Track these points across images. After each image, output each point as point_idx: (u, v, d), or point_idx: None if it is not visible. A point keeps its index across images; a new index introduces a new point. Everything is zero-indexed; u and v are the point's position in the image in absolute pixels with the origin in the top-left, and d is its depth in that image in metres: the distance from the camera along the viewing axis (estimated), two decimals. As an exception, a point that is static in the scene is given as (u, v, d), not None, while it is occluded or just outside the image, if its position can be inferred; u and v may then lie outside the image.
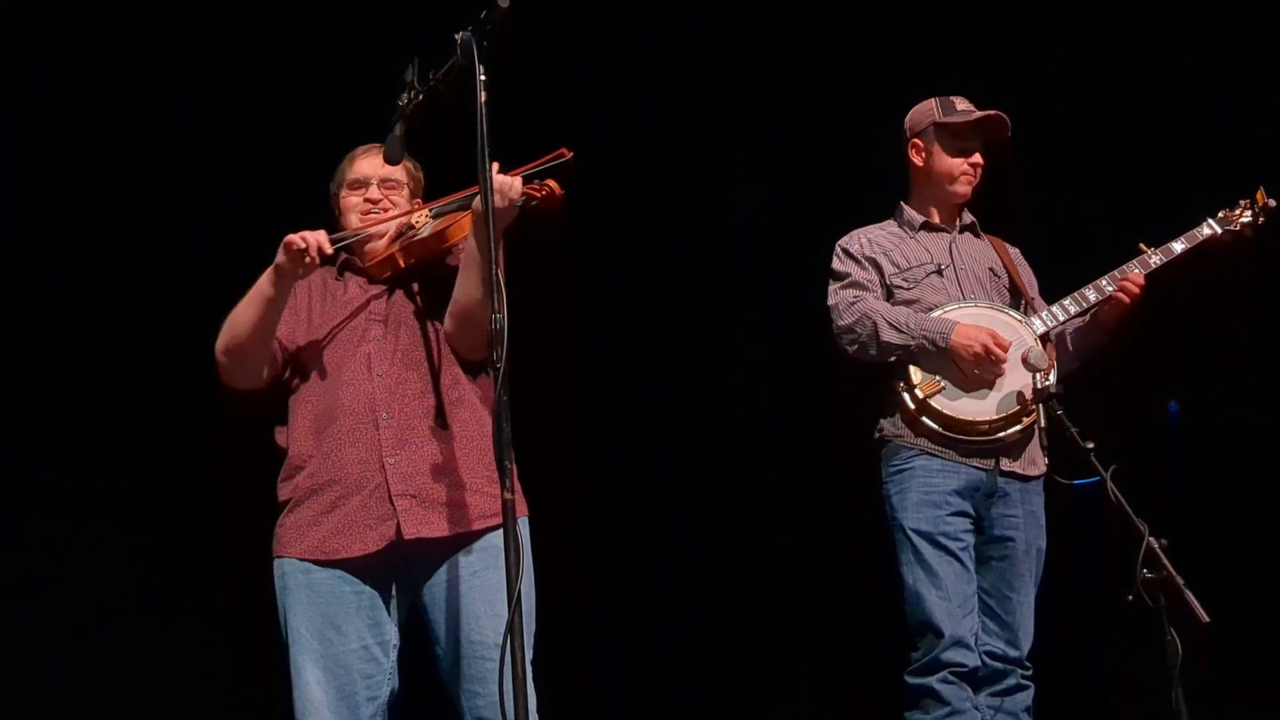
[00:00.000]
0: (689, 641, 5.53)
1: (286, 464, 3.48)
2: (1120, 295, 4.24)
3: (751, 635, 5.57)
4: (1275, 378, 5.41)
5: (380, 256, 3.52)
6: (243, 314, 3.43)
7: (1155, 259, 4.35)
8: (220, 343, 3.47)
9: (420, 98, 3.25)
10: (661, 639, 5.52)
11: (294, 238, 3.35)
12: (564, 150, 3.38)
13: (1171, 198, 5.10)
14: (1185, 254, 4.39)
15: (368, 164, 3.60)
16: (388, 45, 3.74)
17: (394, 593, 3.44)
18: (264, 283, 3.40)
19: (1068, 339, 4.36)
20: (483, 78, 3.07)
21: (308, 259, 3.35)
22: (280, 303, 3.42)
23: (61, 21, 5.06)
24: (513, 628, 2.93)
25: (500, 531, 3.02)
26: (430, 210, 3.54)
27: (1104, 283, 4.29)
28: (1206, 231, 4.43)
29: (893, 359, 4.20)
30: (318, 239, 3.35)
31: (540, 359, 3.95)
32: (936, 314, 4.23)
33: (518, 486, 3.46)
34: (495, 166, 3.20)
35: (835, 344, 4.28)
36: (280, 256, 3.37)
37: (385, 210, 3.60)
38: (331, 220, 3.66)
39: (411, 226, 3.52)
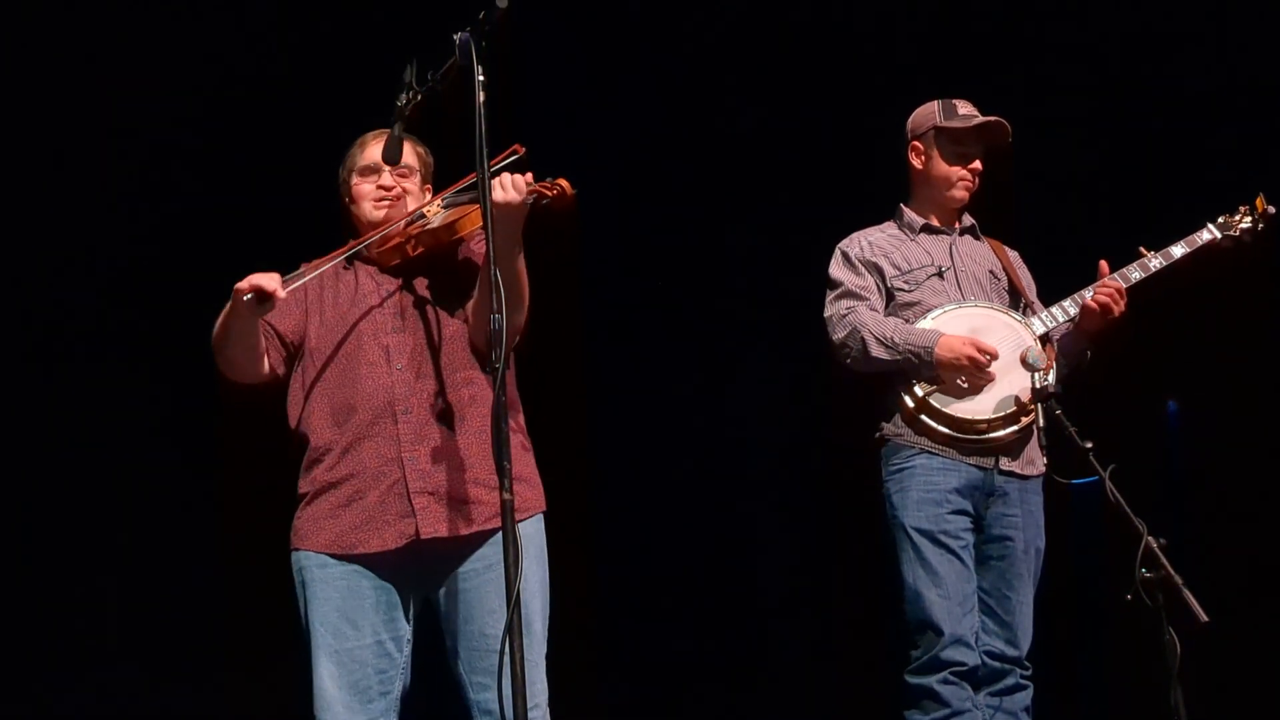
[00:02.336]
0: (691, 639, 5.54)
1: (306, 457, 3.48)
2: (1092, 305, 4.24)
3: (752, 634, 5.58)
4: (1275, 378, 5.42)
5: (390, 244, 3.51)
6: (218, 333, 3.43)
7: (1155, 262, 4.35)
8: (212, 342, 3.47)
9: (419, 98, 3.26)
10: (663, 637, 5.53)
11: (242, 286, 3.30)
12: (517, 146, 3.36)
13: (1172, 202, 5.11)
14: (1185, 258, 4.39)
15: (380, 149, 3.53)
16: (387, 45, 3.74)
17: (409, 587, 3.45)
18: (228, 314, 3.39)
19: (1054, 344, 4.36)
20: (481, 78, 3.07)
21: (259, 306, 3.31)
22: (246, 333, 3.40)
23: (57, 18, 5.08)
24: (511, 627, 2.94)
25: (517, 526, 3.04)
26: (441, 200, 3.53)
27: (1099, 284, 4.30)
28: (1206, 236, 4.43)
29: (886, 369, 4.21)
30: (268, 285, 3.28)
31: (557, 359, 3.97)
32: (930, 318, 4.23)
33: (538, 481, 3.50)
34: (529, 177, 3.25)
35: (833, 355, 4.29)
36: (232, 302, 3.34)
37: (399, 197, 3.58)
38: (340, 207, 3.66)
39: (422, 215, 3.51)
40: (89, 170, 5.11)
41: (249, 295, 3.29)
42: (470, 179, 3.39)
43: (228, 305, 3.36)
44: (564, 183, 3.34)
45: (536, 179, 3.32)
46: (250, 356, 3.45)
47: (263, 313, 3.36)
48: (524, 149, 3.36)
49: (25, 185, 5.06)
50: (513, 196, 3.27)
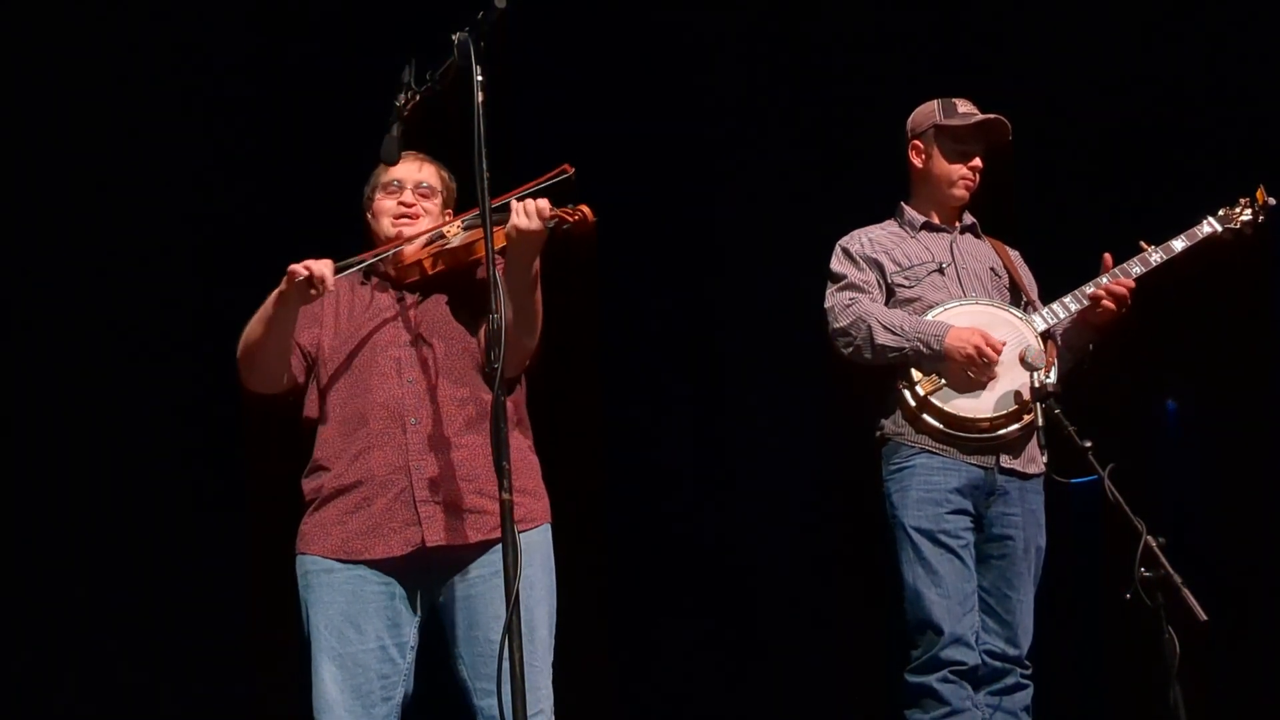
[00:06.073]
0: (691, 640, 5.54)
1: (312, 463, 3.51)
2: (1107, 302, 4.24)
3: (752, 634, 5.58)
4: (1275, 377, 5.41)
5: (408, 261, 3.54)
6: (253, 330, 3.46)
7: (1155, 256, 4.35)
8: (238, 350, 3.50)
9: (418, 98, 3.26)
10: (664, 637, 5.53)
11: (297, 268, 3.34)
12: (566, 166, 3.39)
13: (1172, 196, 5.11)
14: (1185, 252, 4.39)
15: (404, 169, 3.61)
16: (386, 45, 3.74)
17: (415, 593, 3.46)
18: (268, 305, 3.42)
19: (1058, 338, 4.36)
20: (480, 78, 3.08)
21: (311, 290, 3.35)
22: (287, 324, 3.44)
23: (54, 23, 5.08)
24: (511, 628, 2.95)
25: (522, 535, 3.07)
26: (462, 222, 3.55)
27: (1105, 279, 4.29)
28: (1207, 229, 4.43)
29: (890, 358, 4.21)
30: (322, 271, 3.34)
31: (565, 368, 3.97)
32: (934, 314, 4.23)
33: (544, 494, 3.53)
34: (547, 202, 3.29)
35: (831, 346, 4.29)
36: (284, 284, 3.37)
37: (418, 216, 3.62)
38: (361, 222, 3.69)
39: (442, 235, 3.54)
40: (102, 171, 5.12)
41: (301, 278, 3.32)
42: (494, 202, 3.38)
43: (271, 296, 3.39)
44: (585, 209, 3.36)
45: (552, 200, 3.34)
46: (281, 358, 3.48)
47: (310, 299, 3.39)
48: (573, 169, 3.38)
49: (38, 186, 5.07)
50: (534, 224, 3.30)
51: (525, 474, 3.42)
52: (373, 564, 3.40)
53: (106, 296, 5.08)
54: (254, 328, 3.45)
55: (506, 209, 3.32)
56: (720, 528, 5.60)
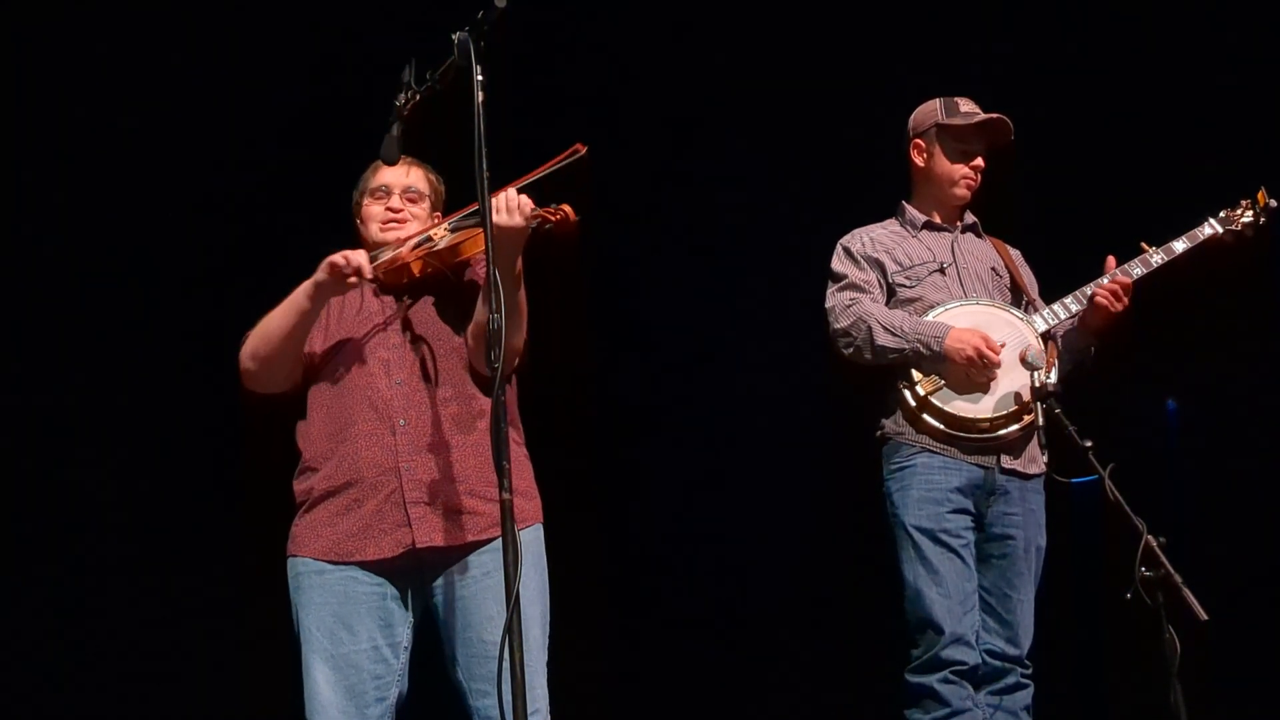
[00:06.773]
0: (691, 639, 5.54)
1: (302, 465, 3.51)
2: (1101, 301, 4.24)
3: (752, 633, 5.58)
4: (1275, 377, 5.41)
5: (396, 264, 3.54)
6: (276, 323, 3.46)
7: (1156, 258, 4.36)
8: (248, 348, 3.50)
9: (417, 98, 3.25)
10: (664, 637, 5.53)
11: (338, 259, 3.36)
12: (579, 145, 3.37)
13: (1173, 197, 5.10)
14: (1186, 253, 4.39)
15: (391, 173, 3.62)
16: (385, 46, 3.75)
17: (407, 594, 3.46)
18: (301, 296, 3.43)
19: (1058, 340, 4.36)
20: (480, 78, 3.07)
21: (350, 279, 3.37)
22: (314, 316, 3.46)
23: (59, 24, 5.09)
24: (510, 627, 2.94)
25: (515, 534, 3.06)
26: (448, 224, 3.55)
27: (1105, 280, 4.30)
28: (1208, 231, 4.43)
29: (890, 359, 4.21)
30: (360, 261, 3.37)
31: (556, 365, 3.97)
32: (934, 314, 4.23)
33: (536, 494, 3.53)
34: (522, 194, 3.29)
35: (832, 346, 4.29)
36: (322, 274, 3.39)
37: (405, 221, 3.62)
38: (350, 227, 3.70)
39: (429, 238, 3.55)
40: (100, 172, 5.13)
41: (343, 267, 3.33)
42: (496, 194, 3.38)
43: (303, 288, 3.41)
44: (568, 208, 3.35)
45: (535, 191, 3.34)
46: (296, 354, 3.49)
47: (346, 289, 3.42)
48: (585, 148, 3.37)
49: (37, 187, 5.08)
50: (515, 221, 3.29)
51: (517, 473, 3.36)
52: (364, 565, 3.40)
53: (104, 297, 5.09)
54: (277, 322, 3.45)
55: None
56: (719, 528, 5.59)
